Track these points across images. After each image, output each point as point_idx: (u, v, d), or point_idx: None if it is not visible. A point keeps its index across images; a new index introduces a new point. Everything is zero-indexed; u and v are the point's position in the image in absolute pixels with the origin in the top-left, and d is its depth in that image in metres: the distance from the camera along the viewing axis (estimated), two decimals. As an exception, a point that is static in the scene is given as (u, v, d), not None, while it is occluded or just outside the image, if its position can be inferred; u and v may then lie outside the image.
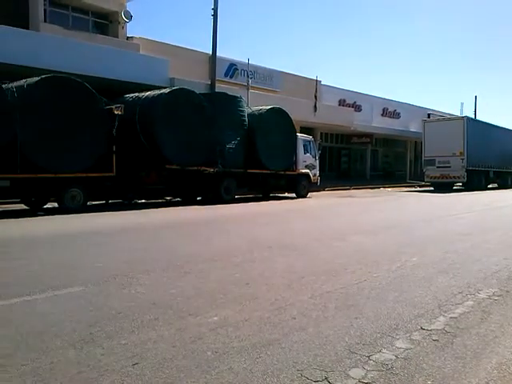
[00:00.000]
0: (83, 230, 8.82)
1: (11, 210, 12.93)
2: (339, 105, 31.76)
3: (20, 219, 10.56)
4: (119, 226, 9.50)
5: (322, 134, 30.73)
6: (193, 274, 4.88)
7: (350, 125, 29.78)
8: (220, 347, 2.92)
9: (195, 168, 15.06)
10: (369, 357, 2.82)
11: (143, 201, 16.06)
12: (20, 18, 18.14)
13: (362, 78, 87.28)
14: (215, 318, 3.45)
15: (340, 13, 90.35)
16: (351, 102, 33.26)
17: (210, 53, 21.08)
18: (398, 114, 38.28)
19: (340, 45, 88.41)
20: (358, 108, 33.49)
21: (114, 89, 15.58)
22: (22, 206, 13.19)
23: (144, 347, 2.92)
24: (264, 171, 17.32)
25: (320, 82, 29.53)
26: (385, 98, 37.51)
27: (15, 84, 11.42)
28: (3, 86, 10.96)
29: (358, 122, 30.87)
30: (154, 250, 6.53)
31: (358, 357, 2.81)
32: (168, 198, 17.01)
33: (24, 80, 11.62)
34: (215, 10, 20.48)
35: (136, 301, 3.91)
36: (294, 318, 3.48)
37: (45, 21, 19.18)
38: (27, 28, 17.84)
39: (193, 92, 15.14)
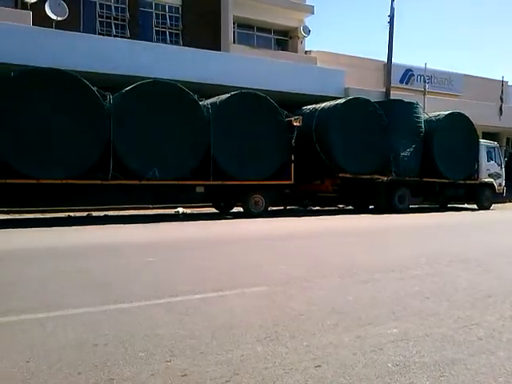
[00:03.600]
0: (265, 234, 9.48)
1: (205, 213, 14.54)
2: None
3: (211, 221, 11.84)
4: (300, 231, 9.97)
5: (508, 139, 27.66)
6: (370, 283, 4.88)
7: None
8: (401, 360, 2.89)
9: (368, 176, 14.94)
10: None
11: (317, 208, 16.48)
12: (215, 42, 20.34)
13: None
14: (395, 330, 3.42)
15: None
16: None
17: (385, 60, 20.70)
18: None
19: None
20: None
21: (293, 101, 16.35)
22: (214, 210, 14.74)
23: (325, 351, 3.03)
24: (441, 180, 16.34)
25: (507, 82, 26.75)
26: None
27: (209, 101, 12.88)
28: (200, 102, 12.42)
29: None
30: (330, 256, 6.69)
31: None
32: (340, 206, 17.15)
33: (217, 97, 13.03)
34: (391, 16, 20.11)
35: (316, 304, 4.07)
36: (481, 339, 3.26)
37: (234, 42, 21.13)
38: (219, 50, 19.93)
39: (367, 101, 15.09)
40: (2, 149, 10.18)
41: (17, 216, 13.09)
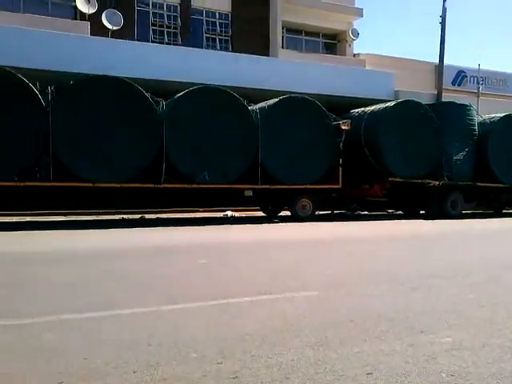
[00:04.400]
0: (314, 238, 9.46)
1: (253, 216, 14.68)
2: None
3: (259, 225, 11.94)
4: (348, 236, 9.88)
5: None
6: (421, 290, 4.78)
7: None
8: (456, 370, 2.82)
9: (419, 181, 14.59)
10: None
11: (365, 212, 16.24)
12: (263, 47, 20.54)
13: None
14: (448, 339, 3.33)
15: None
16: None
17: (437, 62, 20.19)
18: None
19: None
20: None
21: (342, 105, 16.23)
22: (261, 213, 14.84)
23: (376, 358, 3.00)
24: (496, 185, 15.69)
25: None
26: None
27: (258, 106, 13.04)
28: (249, 107, 12.58)
29: None
30: (380, 262, 6.60)
31: None
32: (390, 211, 16.82)
33: (265, 102, 13.16)
34: (443, 17, 19.60)
35: (366, 310, 4.03)
36: (543, 352, 3.13)
37: (282, 47, 21.25)
38: (268, 55, 20.09)
39: (418, 103, 14.76)
40: (61, 153, 10.68)
41: (74, 218, 13.68)
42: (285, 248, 8.23)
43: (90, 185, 11.10)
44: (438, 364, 2.91)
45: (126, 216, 14.17)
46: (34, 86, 10.46)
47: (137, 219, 13.85)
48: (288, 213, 13.92)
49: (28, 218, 13.34)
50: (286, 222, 12.97)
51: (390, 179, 14.36)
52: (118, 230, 10.89)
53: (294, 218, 13.14)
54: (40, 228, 10.87)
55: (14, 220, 12.97)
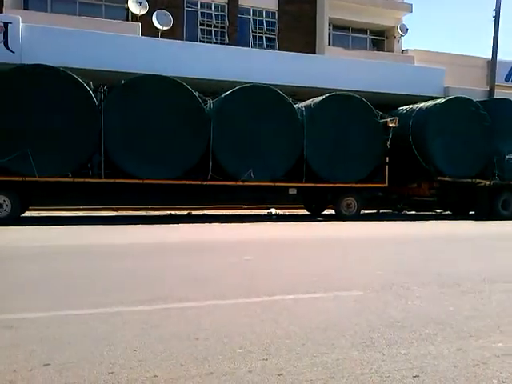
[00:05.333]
0: (360, 236, 9.36)
1: (296, 214, 14.67)
2: None
3: (303, 223, 11.94)
4: (395, 235, 9.72)
5: None
6: (472, 294, 4.65)
7: None
8: (508, 377, 2.74)
9: (469, 180, 14.13)
10: None
11: (412, 212, 15.89)
12: (309, 45, 20.46)
13: None
14: (500, 345, 3.24)
15: None
16: None
17: (489, 57, 19.44)
18: None
19: None
20: None
21: (390, 102, 15.92)
22: (305, 212, 14.81)
23: (423, 361, 2.96)
24: None
25: None
26: None
27: (304, 103, 13.01)
28: (295, 105, 12.57)
29: None
30: (430, 263, 6.45)
31: None
32: (438, 211, 16.38)
33: (311, 99, 13.11)
34: (497, 10, 18.85)
35: (413, 312, 3.97)
36: None
37: (329, 44, 21.06)
38: (314, 52, 19.98)
39: (469, 100, 14.26)
40: (112, 150, 11.05)
41: (124, 213, 14.12)
42: (331, 246, 8.20)
43: (140, 181, 11.43)
44: (489, 370, 2.84)
45: (173, 212, 14.50)
46: (88, 85, 10.86)
47: (184, 215, 14.13)
48: (332, 211, 13.81)
49: (80, 213, 13.87)
50: (329, 220, 12.87)
51: (438, 178, 13.98)
52: (166, 225, 11.16)
53: (339, 217, 13.02)
54: (96, 223, 11.31)
55: (68, 215, 13.52)
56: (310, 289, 4.72)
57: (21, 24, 13.97)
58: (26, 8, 17.68)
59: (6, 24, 13.79)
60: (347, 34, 22.87)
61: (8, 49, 13.73)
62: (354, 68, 17.52)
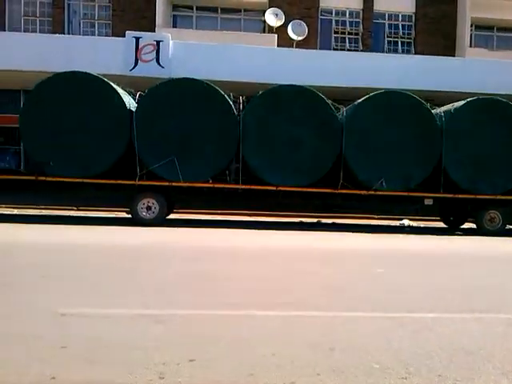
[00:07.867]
0: (504, 252, 8.64)
1: (431, 227, 13.94)
2: None
3: (441, 237, 11.35)
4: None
5: None
6: None
7: None
8: None
9: None
10: None
11: None
12: (447, 47, 19.37)
13: None
14: None
15: None
16: None
17: None
18: None
19: None
20: None
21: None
22: (440, 224, 14.00)
23: None
24: None
25: None
26: None
27: (443, 109, 12.31)
28: (433, 111, 11.96)
29: None
30: None
31: None
32: None
33: (451, 104, 12.36)
34: None
35: None
36: None
37: (470, 45, 19.68)
38: (453, 55, 18.84)
39: None
40: (249, 157, 11.53)
41: (258, 218, 14.65)
42: (472, 264, 7.65)
43: (274, 188, 11.81)
44: None
45: (303, 220, 14.70)
46: (228, 96, 11.52)
47: (313, 223, 14.25)
48: (472, 225, 12.83)
49: (218, 217, 14.74)
50: (469, 235, 11.96)
51: None
52: (295, 232, 11.37)
53: (480, 232, 12.03)
54: (229, 227, 11.97)
55: (207, 218, 14.43)
56: (449, 307, 4.50)
57: (170, 41, 15.35)
58: (174, 26, 19.37)
59: (158, 42, 15.26)
60: (491, 33, 21.14)
61: (159, 64, 15.18)
62: (500, 70, 16.13)
